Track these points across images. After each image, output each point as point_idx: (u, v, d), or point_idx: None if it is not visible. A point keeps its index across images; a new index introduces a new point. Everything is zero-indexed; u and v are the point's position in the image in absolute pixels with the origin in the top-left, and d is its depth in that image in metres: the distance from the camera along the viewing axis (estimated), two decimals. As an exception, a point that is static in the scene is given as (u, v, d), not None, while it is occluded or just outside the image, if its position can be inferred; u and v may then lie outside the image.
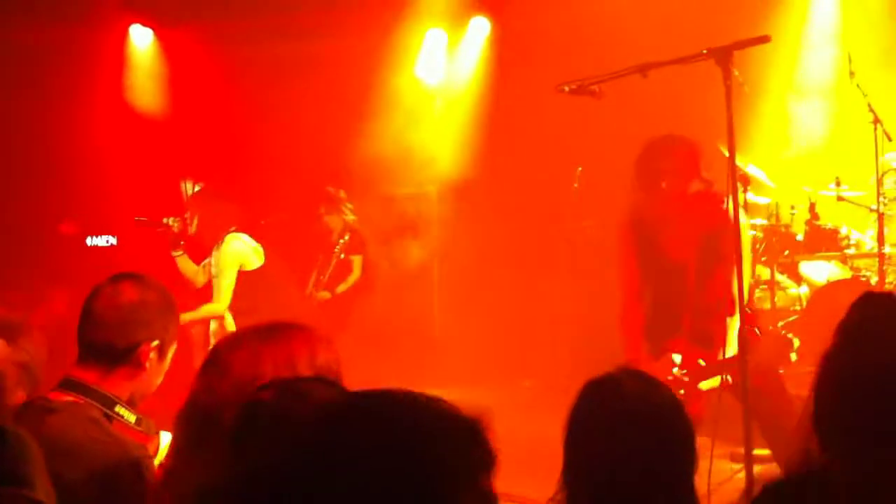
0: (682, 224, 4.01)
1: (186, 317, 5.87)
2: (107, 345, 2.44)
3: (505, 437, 1.31)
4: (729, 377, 3.72)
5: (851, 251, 6.40)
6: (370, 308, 7.44)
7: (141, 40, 8.32)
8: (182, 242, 5.76)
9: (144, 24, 8.25)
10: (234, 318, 5.55)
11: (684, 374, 3.90)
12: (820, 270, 6.57)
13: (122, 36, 8.28)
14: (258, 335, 1.96)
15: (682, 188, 3.99)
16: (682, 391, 3.78)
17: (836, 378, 1.69)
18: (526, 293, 7.85)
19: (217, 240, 5.67)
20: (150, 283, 2.55)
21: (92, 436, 2.29)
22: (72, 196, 7.66)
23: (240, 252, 5.73)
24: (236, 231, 5.73)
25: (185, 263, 5.82)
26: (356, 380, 1.69)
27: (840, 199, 6.40)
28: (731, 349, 3.84)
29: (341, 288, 7.23)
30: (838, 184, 6.40)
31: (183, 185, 7.09)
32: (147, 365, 2.47)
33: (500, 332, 7.73)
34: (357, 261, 7.30)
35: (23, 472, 0.66)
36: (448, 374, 7.40)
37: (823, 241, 6.41)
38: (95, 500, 2.16)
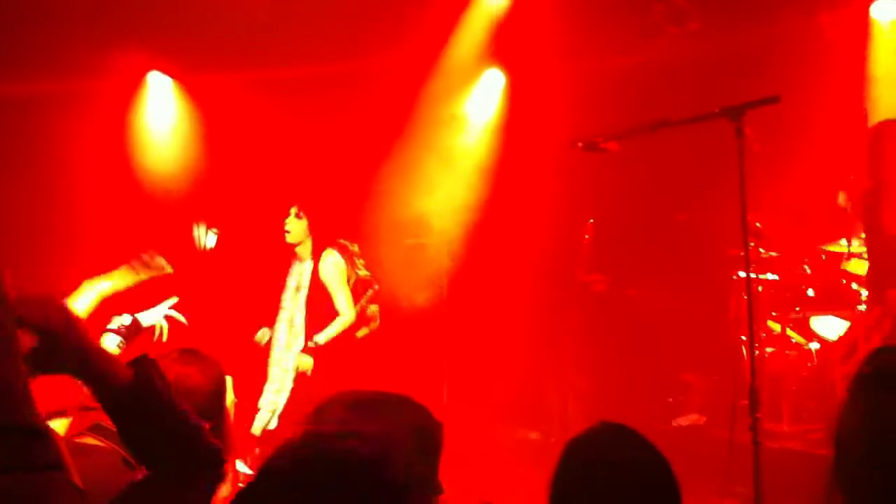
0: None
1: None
2: None
3: (510, 486, 1.32)
4: None
5: (863, 307, 6.38)
6: (381, 356, 7.41)
7: (159, 88, 8.32)
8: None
9: (163, 72, 8.26)
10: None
11: None
12: (832, 326, 6.55)
13: (137, 84, 8.22)
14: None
15: None
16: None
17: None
18: (536, 344, 7.83)
19: None
20: (210, 365, 2.56)
21: (113, 481, 2.26)
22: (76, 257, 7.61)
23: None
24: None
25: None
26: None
27: (850, 255, 6.40)
28: None
29: (360, 334, 7.21)
30: (849, 240, 6.40)
31: (196, 228, 7.12)
32: None
33: (509, 383, 7.69)
34: (375, 310, 7.29)
35: (65, 462, 0.70)
36: (455, 424, 7.36)
37: (835, 296, 6.40)
38: None
